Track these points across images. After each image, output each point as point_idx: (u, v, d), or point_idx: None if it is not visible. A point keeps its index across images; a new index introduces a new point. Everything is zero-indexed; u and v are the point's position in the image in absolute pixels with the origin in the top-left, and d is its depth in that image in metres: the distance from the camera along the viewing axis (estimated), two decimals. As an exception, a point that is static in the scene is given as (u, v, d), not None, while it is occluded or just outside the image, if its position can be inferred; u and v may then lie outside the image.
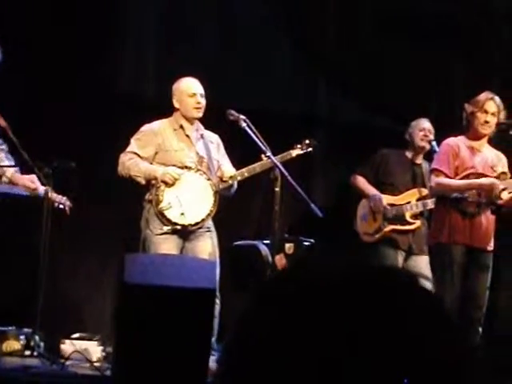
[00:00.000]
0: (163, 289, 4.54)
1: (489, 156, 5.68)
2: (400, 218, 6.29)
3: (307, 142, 5.77)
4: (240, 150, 5.72)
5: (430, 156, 6.19)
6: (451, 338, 1.06)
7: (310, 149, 5.79)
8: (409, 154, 6.47)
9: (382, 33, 7.58)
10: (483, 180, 5.50)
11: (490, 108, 5.52)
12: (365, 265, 1.14)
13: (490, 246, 5.58)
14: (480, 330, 5.48)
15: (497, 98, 5.55)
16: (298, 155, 5.71)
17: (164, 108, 5.77)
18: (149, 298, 4.50)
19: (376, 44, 7.52)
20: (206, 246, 5.55)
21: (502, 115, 5.55)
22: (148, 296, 4.51)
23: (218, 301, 5.31)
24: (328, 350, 1.00)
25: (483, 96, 5.56)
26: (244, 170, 5.62)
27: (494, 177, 5.54)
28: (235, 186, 5.70)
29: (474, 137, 5.64)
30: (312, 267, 1.11)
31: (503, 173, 5.55)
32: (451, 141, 5.69)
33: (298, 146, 5.74)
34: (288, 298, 1.06)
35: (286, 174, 5.17)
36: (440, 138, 5.97)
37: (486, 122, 5.53)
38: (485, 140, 5.67)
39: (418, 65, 7.51)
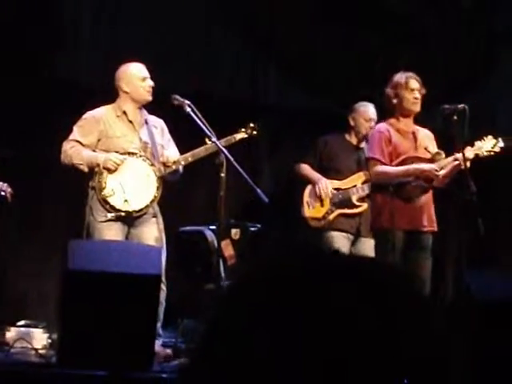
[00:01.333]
0: (108, 275, 4.53)
1: (420, 137, 5.73)
2: (347, 202, 6.31)
3: (251, 125, 5.76)
4: (185, 135, 5.69)
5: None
6: (437, 334, 1.04)
7: (255, 132, 5.78)
8: (352, 139, 6.48)
9: (328, 19, 7.60)
10: (423, 166, 5.53)
11: (414, 85, 5.62)
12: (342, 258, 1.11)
13: (432, 227, 5.62)
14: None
15: (414, 75, 5.65)
16: (242, 139, 5.69)
17: (104, 93, 5.73)
18: (93, 285, 4.48)
19: (322, 30, 7.54)
20: (152, 232, 5.52)
21: (423, 90, 5.63)
22: (92, 282, 4.49)
23: (163, 287, 5.29)
24: (323, 350, 0.98)
25: (402, 77, 5.65)
26: (188, 154, 5.59)
27: (429, 158, 5.58)
28: (181, 170, 5.67)
29: (403, 115, 5.69)
30: (278, 263, 1.08)
31: (438, 153, 5.59)
32: (382, 127, 5.74)
33: (243, 129, 5.72)
34: (263, 299, 1.02)
35: (232, 159, 5.18)
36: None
37: (416, 99, 5.62)
38: (412, 119, 5.72)
39: (364, 51, 7.56)
